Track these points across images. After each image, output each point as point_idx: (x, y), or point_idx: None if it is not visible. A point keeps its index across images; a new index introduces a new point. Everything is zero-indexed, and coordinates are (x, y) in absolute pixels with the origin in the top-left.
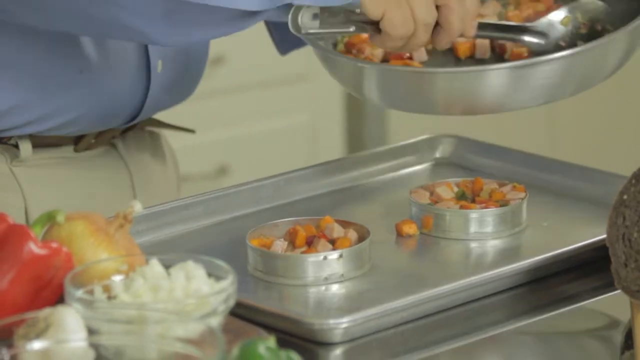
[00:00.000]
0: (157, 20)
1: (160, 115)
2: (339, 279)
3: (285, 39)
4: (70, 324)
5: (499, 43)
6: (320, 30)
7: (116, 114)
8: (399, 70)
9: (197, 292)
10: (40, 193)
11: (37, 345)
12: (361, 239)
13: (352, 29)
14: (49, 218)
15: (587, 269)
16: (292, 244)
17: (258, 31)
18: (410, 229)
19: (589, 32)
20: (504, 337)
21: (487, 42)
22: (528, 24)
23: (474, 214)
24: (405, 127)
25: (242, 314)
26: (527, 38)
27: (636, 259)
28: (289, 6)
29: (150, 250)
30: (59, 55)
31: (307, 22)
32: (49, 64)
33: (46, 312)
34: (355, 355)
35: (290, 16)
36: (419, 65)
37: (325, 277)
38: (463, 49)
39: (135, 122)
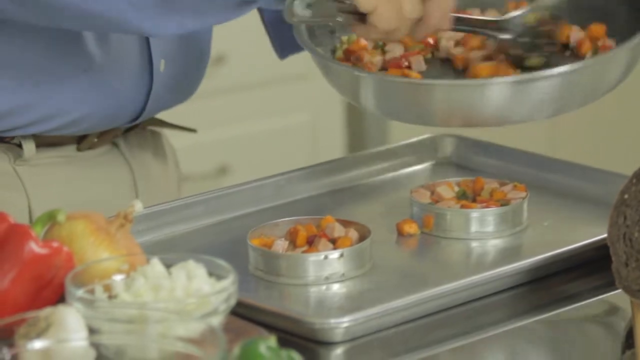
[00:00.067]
0: (150, 10)
1: (161, 115)
2: (340, 278)
3: (284, 43)
4: (71, 323)
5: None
6: (311, 19)
7: (119, 113)
8: (397, 80)
9: (198, 292)
10: (43, 192)
11: (37, 344)
12: (362, 238)
13: (340, 18)
14: (50, 217)
15: (588, 269)
16: (293, 244)
17: (258, 31)
18: (411, 228)
19: (550, 27)
20: (504, 337)
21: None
22: (499, 19)
23: (474, 214)
24: (406, 127)
25: (243, 313)
26: (498, 34)
27: (637, 258)
28: None
29: (151, 250)
30: (62, 55)
31: (299, 11)
32: (52, 63)
33: (47, 311)
34: (356, 354)
35: (286, 4)
36: (417, 76)
37: (326, 277)
38: (461, 60)
39: (137, 121)
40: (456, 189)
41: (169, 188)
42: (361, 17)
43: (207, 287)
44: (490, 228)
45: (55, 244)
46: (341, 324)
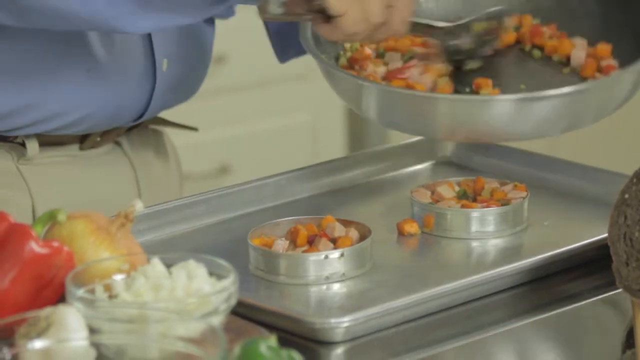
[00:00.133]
0: (126, 8)
1: (162, 114)
2: (340, 278)
3: (286, 48)
4: (71, 323)
5: None
6: (281, 17)
7: (122, 113)
8: (400, 92)
9: (198, 291)
10: (46, 191)
11: (38, 344)
12: (362, 238)
13: (309, 17)
14: (50, 217)
15: (589, 268)
16: (294, 243)
17: (259, 31)
18: (412, 228)
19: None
20: (505, 337)
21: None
22: (449, 25)
23: (475, 213)
24: None
25: (244, 313)
26: (447, 39)
27: (637, 258)
28: None
29: (151, 249)
30: (65, 55)
31: (272, 9)
32: (55, 63)
33: (47, 311)
34: (356, 354)
35: (261, 2)
36: (421, 88)
37: (327, 276)
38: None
39: (140, 120)
40: (457, 188)
41: (171, 187)
42: (326, 16)
43: (208, 286)
44: (490, 228)
45: (55, 244)
46: (342, 323)
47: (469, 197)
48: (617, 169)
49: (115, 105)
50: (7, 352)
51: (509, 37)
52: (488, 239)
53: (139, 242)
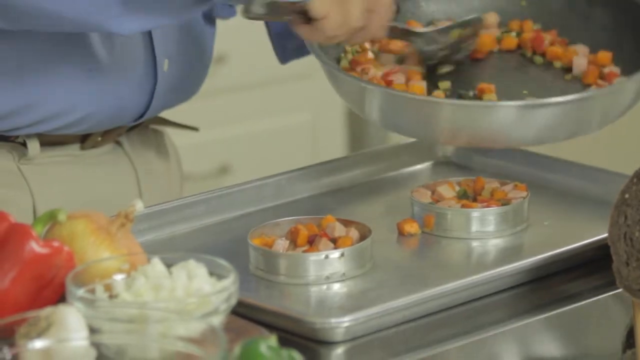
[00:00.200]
0: (111, 10)
1: (163, 114)
2: (341, 277)
3: (287, 49)
4: (71, 323)
5: None
6: (263, 16)
7: (123, 112)
8: (403, 96)
9: (198, 291)
10: (47, 191)
11: (38, 344)
12: (363, 237)
13: (290, 17)
14: (51, 217)
15: (589, 268)
16: (294, 243)
17: (259, 31)
18: (412, 228)
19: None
20: (505, 336)
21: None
22: (425, 31)
23: (475, 213)
24: None
25: (244, 313)
26: (423, 45)
27: (637, 257)
28: None
29: (151, 249)
30: (66, 55)
31: (256, 8)
32: (56, 63)
33: (48, 311)
34: (356, 354)
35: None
36: (423, 91)
37: (327, 276)
38: None
39: (141, 120)
40: (457, 188)
41: (172, 186)
42: (305, 17)
43: (208, 286)
44: (491, 228)
45: (55, 244)
46: (342, 323)
47: (469, 197)
48: (617, 169)
49: (116, 105)
50: (7, 352)
51: (511, 42)
52: (488, 238)
53: (139, 242)
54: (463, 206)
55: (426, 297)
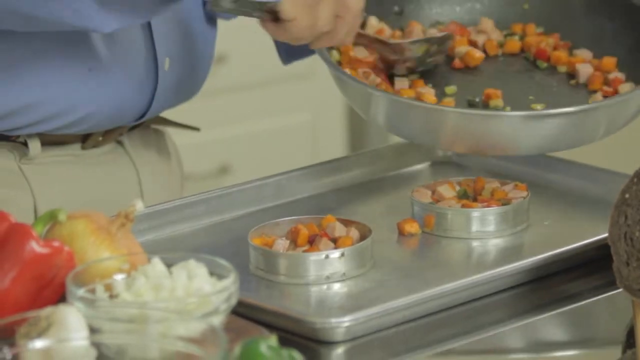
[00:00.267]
0: (88, 10)
1: (163, 114)
2: (341, 277)
3: (290, 50)
4: (72, 322)
5: None
6: (232, 10)
7: (124, 112)
8: (409, 103)
9: (198, 291)
10: (48, 190)
11: (38, 344)
12: (363, 237)
13: (257, 14)
14: (51, 217)
15: (589, 268)
16: (294, 243)
17: (259, 31)
18: (412, 227)
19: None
20: (505, 336)
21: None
22: (393, 42)
23: (475, 213)
24: None
25: (244, 312)
26: (390, 54)
27: (638, 257)
28: None
29: (152, 249)
30: (67, 55)
31: (225, 3)
32: (57, 62)
33: (48, 311)
34: (356, 354)
35: None
36: (432, 100)
37: (327, 276)
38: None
39: (142, 120)
40: (457, 188)
41: (173, 186)
42: (274, 16)
43: (208, 286)
44: (491, 227)
45: (56, 244)
46: (342, 323)
47: (470, 196)
48: (617, 168)
49: (117, 105)
50: (7, 352)
51: (514, 46)
52: (488, 238)
53: (139, 241)
54: (463, 206)
55: (426, 297)
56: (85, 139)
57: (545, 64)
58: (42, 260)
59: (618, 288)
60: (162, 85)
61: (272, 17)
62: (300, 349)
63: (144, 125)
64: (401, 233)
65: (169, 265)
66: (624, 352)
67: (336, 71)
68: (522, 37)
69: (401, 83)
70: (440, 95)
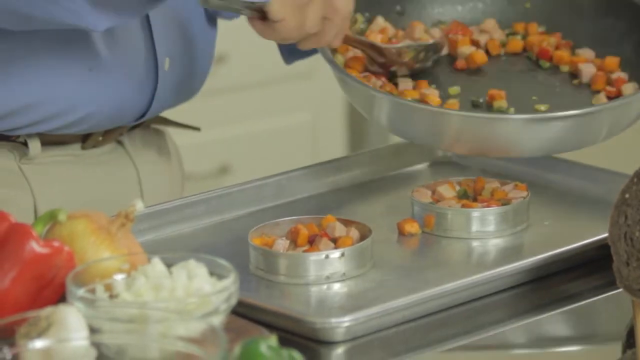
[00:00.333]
0: (80, 11)
1: (163, 114)
2: (341, 277)
3: (292, 49)
4: (72, 322)
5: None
6: (220, 7)
7: (124, 112)
8: (412, 106)
9: (198, 291)
10: (48, 190)
11: (38, 344)
12: (363, 237)
13: (245, 12)
14: (51, 217)
15: (589, 268)
16: (294, 243)
17: None
18: (412, 227)
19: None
20: (505, 336)
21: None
22: (381, 46)
23: (475, 213)
24: None
25: (244, 312)
26: (378, 57)
27: (638, 257)
28: None
29: (152, 249)
30: (67, 54)
31: (213, 1)
32: (57, 62)
33: (48, 311)
34: (356, 354)
35: None
36: (436, 102)
37: (327, 276)
38: None
39: (142, 120)
40: (457, 188)
41: (173, 186)
42: (263, 15)
43: (208, 286)
44: (491, 227)
45: (56, 244)
46: (342, 323)
47: (470, 196)
48: (617, 169)
49: (117, 105)
50: (7, 352)
51: (516, 45)
52: (488, 238)
53: (139, 241)
54: (463, 206)
55: (426, 297)
56: (85, 139)
57: (547, 64)
58: (42, 260)
59: (618, 288)
60: (162, 85)
61: (261, 15)
62: (300, 349)
63: (144, 125)
64: (401, 233)
65: (169, 265)
66: (624, 352)
67: (340, 73)
68: (524, 37)
69: (405, 84)
70: (444, 96)
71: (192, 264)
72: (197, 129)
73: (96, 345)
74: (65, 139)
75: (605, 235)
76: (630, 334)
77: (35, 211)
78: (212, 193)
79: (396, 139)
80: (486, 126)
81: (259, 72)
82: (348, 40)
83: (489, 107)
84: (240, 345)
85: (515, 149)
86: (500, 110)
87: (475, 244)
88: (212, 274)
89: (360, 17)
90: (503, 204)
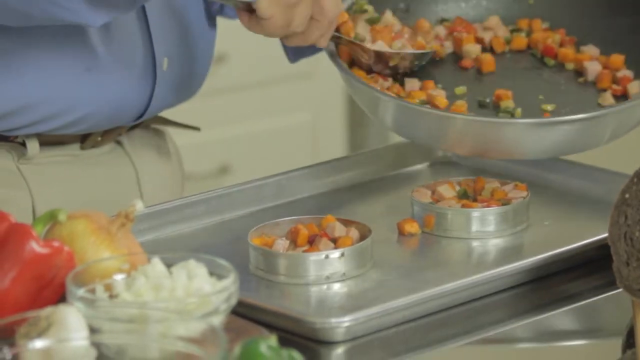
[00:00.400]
0: (77, 7)
1: (162, 114)
2: (341, 277)
3: (296, 48)
4: (71, 322)
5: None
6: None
7: (122, 112)
8: (417, 109)
9: (198, 291)
10: (47, 191)
11: (38, 344)
12: (363, 237)
13: (235, 5)
14: (51, 217)
15: (589, 268)
16: (294, 243)
17: None
18: (412, 227)
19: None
20: (505, 336)
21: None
22: (370, 48)
23: (475, 213)
24: None
25: (244, 312)
26: (366, 58)
27: (638, 257)
28: None
29: (152, 249)
30: (65, 54)
31: None
32: (55, 62)
33: (48, 311)
34: (356, 354)
35: None
36: (443, 102)
37: (327, 276)
38: None
39: (141, 120)
40: (457, 188)
41: (173, 187)
42: (252, 10)
43: (208, 286)
44: (491, 227)
45: (56, 244)
46: (342, 323)
47: (470, 196)
48: (617, 169)
49: (115, 105)
50: (7, 352)
51: (521, 42)
52: (488, 238)
53: (139, 241)
54: (463, 206)
55: (426, 297)
56: (84, 139)
57: (552, 61)
58: (42, 260)
59: (618, 288)
60: (160, 85)
61: (248, 9)
62: (300, 349)
63: (144, 125)
64: (401, 233)
65: (169, 265)
66: (623, 352)
67: (346, 74)
68: (528, 33)
69: (412, 84)
70: (451, 96)
71: (192, 264)
72: (197, 129)
73: (96, 345)
74: (63, 139)
75: (605, 235)
76: (630, 334)
77: (34, 211)
78: (212, 193)
79: (396, 139)
80: (492, 130)
81: (259, 72)
82: (338, 40)
83: (495, 107)
84: (240, 345)
85: (520, 152)
86: (507, 111)
87: (475, 244)
88: (212, 274)
89: (370, 7)
90: (503, 204)
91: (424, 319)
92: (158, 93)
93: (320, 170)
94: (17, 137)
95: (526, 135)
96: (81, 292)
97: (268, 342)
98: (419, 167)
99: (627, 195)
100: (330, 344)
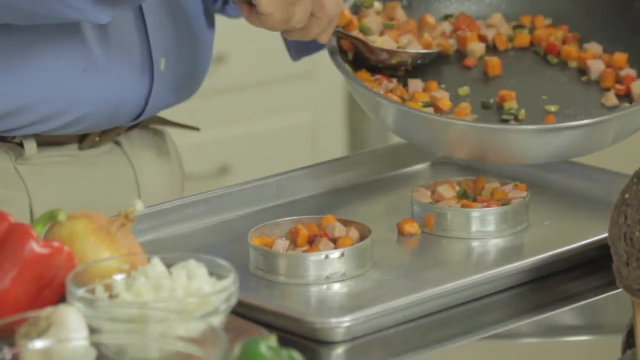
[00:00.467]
0: (82, 5)
1: (162, 114)
2: (341, 277)
3: (299, 46)
4: (71, 323)
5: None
6: None
7: (120, 112)
8: (418, 114)
9: (198, 291)
10: (45, 191)
11: (38, 344)
12: (363, 237)
13: None
14: (51, 217)
15: (589, 268)
16: (294, 243)
17: (259, 30)
18: (412, 227)
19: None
20: (505, 336)
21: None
22: (372, 46)
23: (475, 213)
24: None
25: (244, 312)
26: (369, 55)
27: (638, 257)
28: None
29: (151, 249)
30: (62, 55)
31: None
32: (52, 63)
33: (48, 311)
34: (356, 354)
35: None
36: (446, 105)
37: (327, 276)
38: None
39: (139, 120)
40: (457, 188)
41: (173, 186)
42: (252, 3)
43: (208, 286)
44: (491, 227)
45: (55, 244)
46: (342, 323)
47: (469, 197)
48: (617, 169)
49: (113, 105)
50: (7, 352)
51: (524, 39)
52: (488, 238)
53: (139, 242)
54: (463, 206)
55: (426, 297)
56: (82, 140)
57: (555, 60)
58: (42, 260)
59: (618, 288)
60: (157, 85)
61: (248, 1)
62: (300, 349)
63: (143, 125)
64: (401, 233)
65: (169, 265)
66: (623, 352)
67: (347, 77)
68: (531, 30)
69: (415, 85)
70: (454, 97)
71: (192, 264)
72: (196, 129)
73: (96, 345)
74: (61, 139)
75: (605, 235)
76: (630, 334)
77: (31, 212)
78: (212, 193)
79: (396, 139)
80: (493, 135)
81: (259, 72)
82: (341, 35)
83: (499, 109)
84: (240, 345)
85: (522, 157)
86: (511, 112)
87: (475, 244)
88: (211, 274)
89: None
90: (503, 204)
91: (424, 319)
92: (156, 93)
93: (320, 170)
94: (14, 137)
95: (528, 141)
96: (81, 292)
97: (268, 342)
98: (418, 167)
99: (627, 195)
100: (330, 344)
